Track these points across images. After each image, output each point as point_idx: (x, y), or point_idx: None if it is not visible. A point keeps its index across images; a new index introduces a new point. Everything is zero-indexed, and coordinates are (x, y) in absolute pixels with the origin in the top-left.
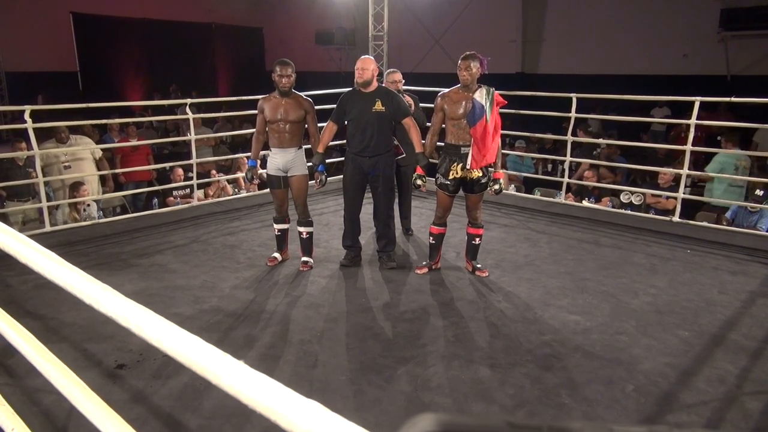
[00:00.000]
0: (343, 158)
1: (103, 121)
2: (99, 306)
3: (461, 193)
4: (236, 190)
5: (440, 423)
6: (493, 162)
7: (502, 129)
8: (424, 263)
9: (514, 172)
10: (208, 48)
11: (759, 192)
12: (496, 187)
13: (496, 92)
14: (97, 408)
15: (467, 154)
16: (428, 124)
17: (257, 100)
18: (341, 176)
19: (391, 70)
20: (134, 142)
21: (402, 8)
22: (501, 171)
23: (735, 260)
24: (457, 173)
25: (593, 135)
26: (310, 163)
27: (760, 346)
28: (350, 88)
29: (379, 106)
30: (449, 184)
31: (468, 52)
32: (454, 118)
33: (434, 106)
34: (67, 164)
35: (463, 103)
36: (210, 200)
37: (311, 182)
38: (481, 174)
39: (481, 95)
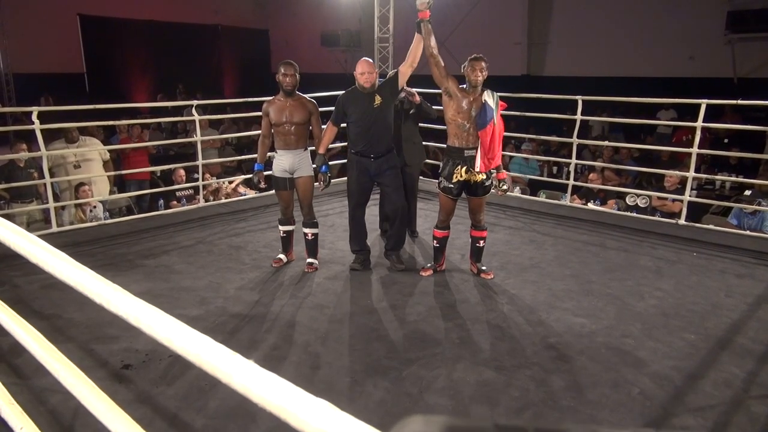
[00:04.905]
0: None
1: (110, 123)
2: (110, 306)
3: (464, 196)
4: (244, 192)
5: (429, 424)
6: (498, 165)
7: (505, 131)
8: (428, 265)
9: (519, 174)
10: (214, 49)
11: (747, 192)
12: (504, 187)
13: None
14: (104, 407)
15: (472, 156)
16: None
17: (263, 101)
18: (345, 178)
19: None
20: (136, 144)
21: (408, 10)
22: (503, 171)
23: (741, 263)
24: (461, 176)
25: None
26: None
27: (766, 349)
28: (347, 89)
29: (378, 100)
30: (453, 187)
31: (477, 54)
32: (459, 110)
33: (442, 90)
34: (77, 164)
35: (467, 100)
36: (216, 201)
37: (315, 183)
38: (485, 177)
39: (489, 98)
